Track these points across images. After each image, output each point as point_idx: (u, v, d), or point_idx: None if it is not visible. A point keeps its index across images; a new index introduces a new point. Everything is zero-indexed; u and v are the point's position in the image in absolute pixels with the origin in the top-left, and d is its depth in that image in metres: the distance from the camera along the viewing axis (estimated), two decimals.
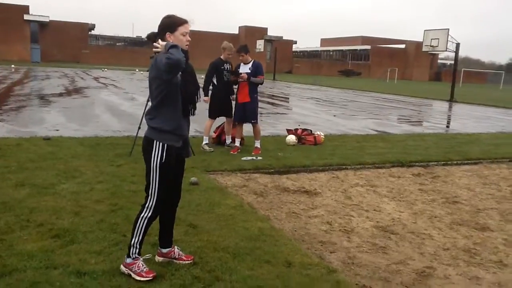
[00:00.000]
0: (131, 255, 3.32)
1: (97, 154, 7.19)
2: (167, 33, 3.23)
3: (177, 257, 3.59)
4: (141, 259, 3.34)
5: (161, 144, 3.25)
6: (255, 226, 4.42)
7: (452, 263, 4.02)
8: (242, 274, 3.41)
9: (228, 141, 8.56)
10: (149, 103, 3.41)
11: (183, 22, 3.27)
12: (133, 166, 6.53)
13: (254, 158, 7.55)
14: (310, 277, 3.46)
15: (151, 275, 3.26)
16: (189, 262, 3.55)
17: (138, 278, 3.23)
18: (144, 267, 3.29)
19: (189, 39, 3.30)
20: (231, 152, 7.97)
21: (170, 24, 3.25)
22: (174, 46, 3.03)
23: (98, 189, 5.33)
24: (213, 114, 8.39)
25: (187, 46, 3.28)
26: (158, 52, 3.17)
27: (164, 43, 3.13)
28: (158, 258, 3.60)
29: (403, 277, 3.68)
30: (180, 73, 3.18)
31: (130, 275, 3.27)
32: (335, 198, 5.78)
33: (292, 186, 6.15)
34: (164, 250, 3.60)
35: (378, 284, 3.54)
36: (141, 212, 3.34)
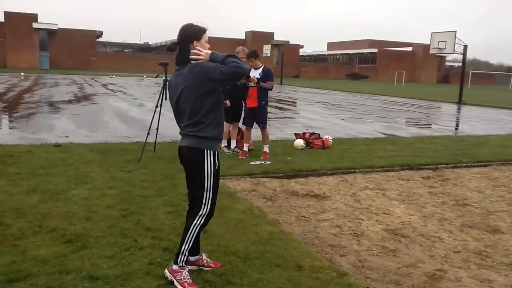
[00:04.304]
0: (178, 262, 3.32)
1: (107, 160, 7.25)
2: (194, 41, 3.26)
3: (205, 264, 3.58)
4: (187, 269, 3.35)
5: (211, 152, 3.26)
6: (265, 230, 4.44)
7: (463, 265, 4.01)
8: (252, 278, 3.42)
9: (233, 145, 8.57)
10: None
11: (205, 30, 3.34)
12: (143, 171, 6.58)
13: (262, 162, 7.58)
14: (321, 281, 3.47)
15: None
16: (217, 268, 3.56)
17: (180, 287, 3.24)
18: (189, 278, 3.29)
19: (209, 46, 3.35)
20: (240, 157, 8.00)
21: (196, 32, 3.29)
22: (232, 56, 3.14)
23: (109, 195, 5.37)
24: (228, 118, 8.44)
25: None
26: (196, 59, 3.17)
27: (209, 51, 3.18)
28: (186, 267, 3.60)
29: (414, 280, 3.68)
30: None
31: (172, 282, 3.27)
32: (344, 202, 5.79)
33: (301, 190, 6.16)
34: (192, 258, 3.57)
35: (389, 287, 3.54)
36: (194, 220, 3.33)
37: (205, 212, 3.33)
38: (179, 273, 3.29)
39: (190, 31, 3.30)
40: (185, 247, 3.33)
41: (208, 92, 3.20)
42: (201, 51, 3.18)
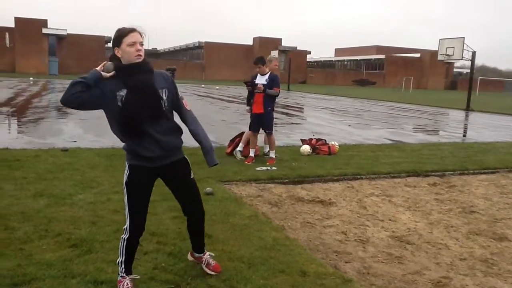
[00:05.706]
0: (118, 272, 3.31)
1: (113, 165, 7.27)
2: (115, 48, 3.04)
3: (204, 266, 3.60)
4: (128, 278, 3.26)
5: (127, 164, 3.26)
6: (270, 236, 4.43)
7: (469, 273, 3.98)
8: (257, 284, 3.42)
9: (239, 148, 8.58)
10: None
11: (127, 32, 3.00)
12: None
13: (268, 168, 7.58)
14: (325, 287, 3.45)
15: None
16: (213, 273, 3.54)
17: None
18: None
19: (140, 48, 3.02)
20: (246, 163, 8.00)
21: (115, 38, 3.03)
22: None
23: (115, 199, 5.39)
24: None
25: (138, 57, 3.02)
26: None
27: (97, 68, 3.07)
28: (190, 257, 3.71)
29: (419, 287, 3.66)
30: (125, 91, 3.02)
31: None
32: (350, 208, 5.77)
33: (306, 196, 6.15)
34: (196, 255, 3.67)
35: None
36: (122, 233, 3.33)
37: (127, 226, 3.26)
38: (120, 283, 3.25)
39: (113, 37, 3.06)
40: (118, 259, 3.31)
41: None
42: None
